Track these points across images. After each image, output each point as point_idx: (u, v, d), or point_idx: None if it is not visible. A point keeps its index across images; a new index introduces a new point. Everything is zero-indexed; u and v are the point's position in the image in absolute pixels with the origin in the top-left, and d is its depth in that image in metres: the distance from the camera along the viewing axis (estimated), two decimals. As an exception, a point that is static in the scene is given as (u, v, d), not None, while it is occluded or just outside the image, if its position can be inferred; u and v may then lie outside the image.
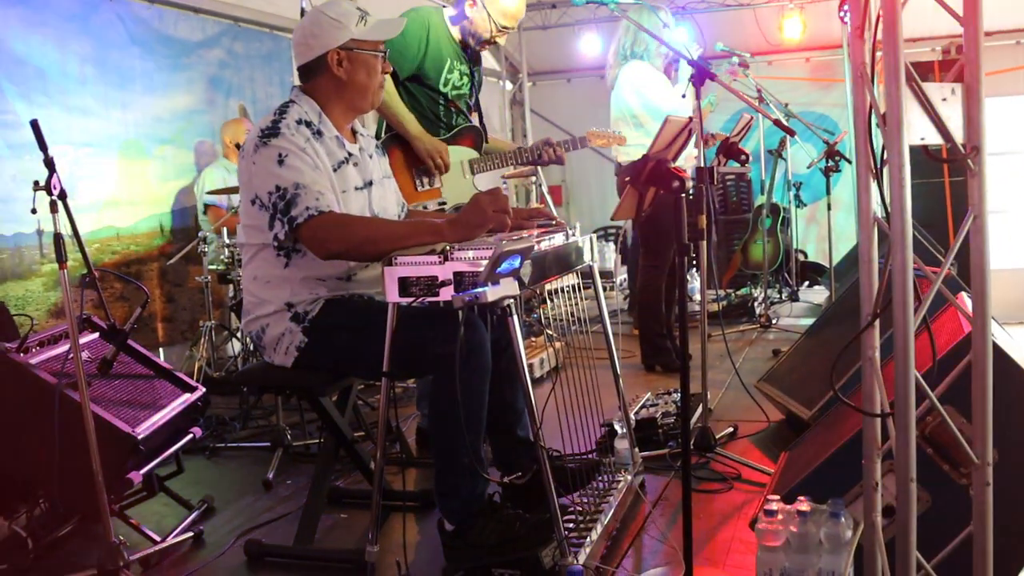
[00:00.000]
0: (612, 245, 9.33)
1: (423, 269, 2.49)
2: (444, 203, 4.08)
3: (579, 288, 3.30)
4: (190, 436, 3.58)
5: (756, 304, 7.37)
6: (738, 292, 8.03)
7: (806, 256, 9.34)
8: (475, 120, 4.30)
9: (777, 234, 8.33)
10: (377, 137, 4.06)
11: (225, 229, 5.32)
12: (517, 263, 2.40)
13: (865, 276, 2.18)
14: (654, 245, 5.46)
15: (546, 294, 3.18)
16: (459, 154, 4.15)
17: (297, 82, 3.08)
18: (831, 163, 6.49)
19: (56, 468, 2.99)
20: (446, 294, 2.45)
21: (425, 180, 4.08)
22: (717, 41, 6.27)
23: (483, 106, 4.43)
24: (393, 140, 4.04)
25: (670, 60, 5.49)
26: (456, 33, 4.17)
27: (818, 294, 8.41)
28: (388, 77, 3.82)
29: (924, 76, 5.57)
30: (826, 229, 7.17)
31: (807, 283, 8.93)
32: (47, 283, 5.10)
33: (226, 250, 5.25)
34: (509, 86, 10.75)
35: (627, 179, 5.30)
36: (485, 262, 2.38)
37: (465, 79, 4.19)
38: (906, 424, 2.01)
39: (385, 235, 2.73)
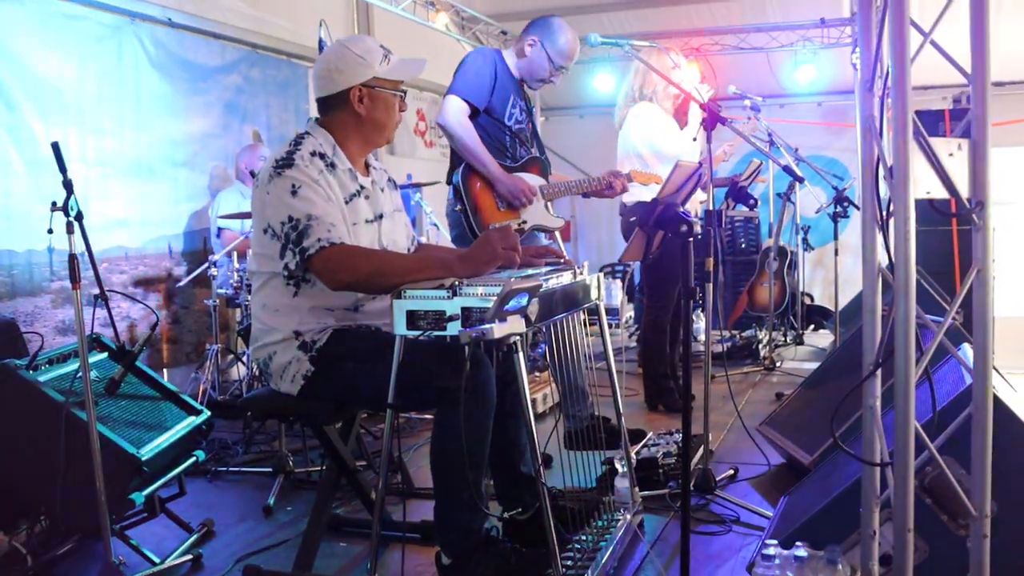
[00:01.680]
0: (619, 283, 9.35)
1: (431, 303, 2.52)
2: (524, 222, 4.34)
3: (585, 325, 3.32)
4: (193, 459, 3.59)
5: (761, 346, 7.36)
6: (743, 334, 8.03)
7: (812, 299, 9.35)
8: (535, 151, 4.54)
9: (784, 277, 8.35)
10: (455, 166, 4.30)
11: (235, 253, 5.36)
12: (524, 301, 2.43)
13: (868, 326, 2.21)
14: (658, 285, 5.46)
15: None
16: (531, 181, 4.38)
17: (313, 110, 3.14)
18: (839, 209, 6.54)
19: (59, 486, 3.01)
20: (453, 329, 2.48)
21: (505, 201, 4.32)
22: (730, 83, 6.33)
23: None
24: (473, 167, 4.28)
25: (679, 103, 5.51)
26: (516, 72, 4.45)
27: (823, 338, 8.41)
28: (465, 112, 4.15)
29: (934, 125, 5.61)
30: (833, 273, 7.20)
31: (812, 327, 8.93)
32: (56, 300, 5.13)
33: (235, 274, 5.28)
34: (522, 121, 10.83)
35: (632, 219, 5.36)
36: (493, 298, 2.41)
37: (524, 115, 4.46)
38: (905, 474, 2.02)
39: (395, 268, 2.76)
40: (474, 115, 4.25)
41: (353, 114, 3.00)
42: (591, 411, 3.93)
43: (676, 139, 5.28)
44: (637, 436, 4.02)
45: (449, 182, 4.34)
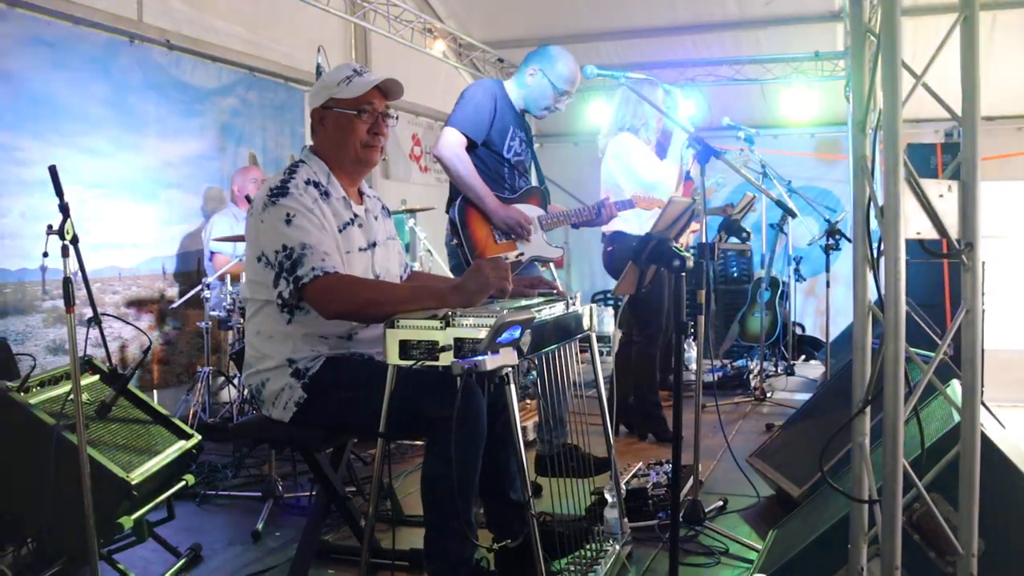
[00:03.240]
0: (610, 309, 9.35)
1: (424, 333, 2.53)
2: (522, 253, 4.35)
3: (576, 352, 3.32)
4: (182, 483, 3.58)
5: (751, 376, 7.36)
6: (734, 363, 8.04)
7: (803, 330, 9.36)
8: (534, 180, 4.57)
9: (775, 307, 8.36)
10: (453, 199, 4.33)
11: (228, 276, 5.36)
12: (517, 333, 2.44)
13: (858, 364, 2.22)
14: (646, 315, 5.46)
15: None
16: (529, 211, 4.41)
17: (307, 133, 3.18)
18: (831, 241, 6.56)
19: (48, 508, 3.00)
20: (446, 359, 2.49)
21: (502, 234, 4.35)
22: (724, 114, 6.37)
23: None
24: (470, 200, 4.29)
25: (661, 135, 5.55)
26: (518, 102, 4.48)
27: (814, 369, 8.41)
28: (463, 145, 4.16)
29: (926, 159, 5.61)
30: (824, 303, 7.21)
31: (803, 357, 8.95)
32: (47, 319, 5.13)
33: (228, 297, 5.28)
34: (516, 147, 10.89)
35: (609, 248, 5.38)
36: (486, 329, 2.42)
37: (524, 145, 4.49)
38: (893, 513, 2.03)
39: (389, 298, 2.77)
40: (472, 147, 4.27)
41: (318, 137, 3.09)
42: (564, 439, 3.94)
43: (654, 169, 5.32)
44: (603, 465, 4.00)
45: (448, 213, 4.35)
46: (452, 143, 4.21)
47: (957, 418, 2.46)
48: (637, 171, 5.32)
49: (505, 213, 4.27)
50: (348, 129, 3.03)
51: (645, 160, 5.36)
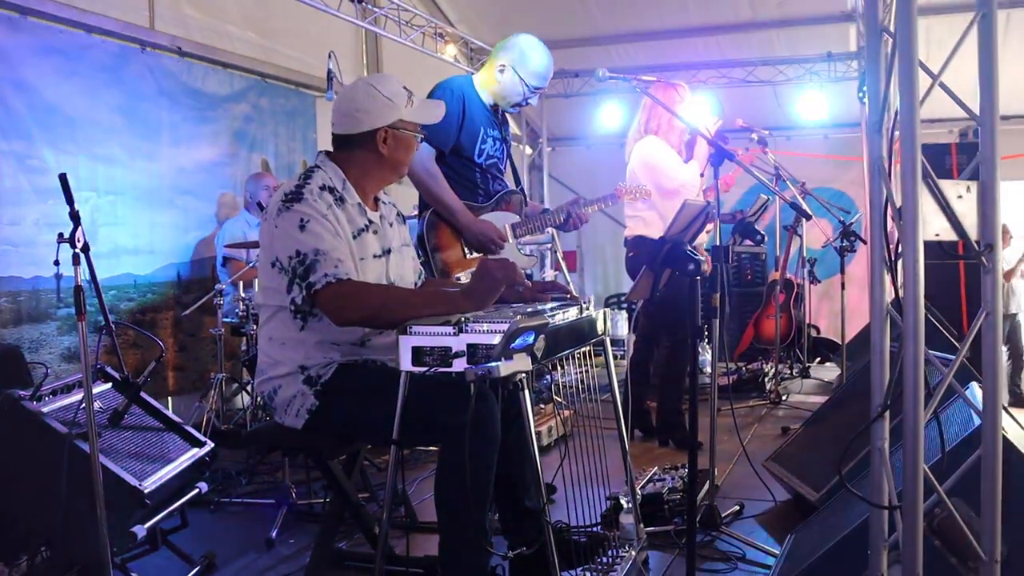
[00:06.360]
0: (625, 313, 9.32)
1: (437, 339, 2.51)
2: None
3: (591, 355, 3.30)
4: (196, 491, 3.57)
5: (767, 379, 7.30)
6: (749, 366, 7.99)
7: (818, 332, 9.32)
8: (510, 181, 4.38)
9: (790, 309, 8.32)
10: (421, 213, 4.17)
11: (241, 282, 5.36)
12: (531, 339, 2.42)
13: (876, 366, 2.19)
14: (676, 320, 5.31)
15: (557, 361, 3.18)
16: (503, 219, 4.24)
17: (321, 139, 3.15)
18: (846, 243, 6.53)
19: (61, 517, 3.00)
20: (459, 365, 2.46)
21: (473, 248, 4.18)
22: (737, 116, 6.34)
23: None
24: (440, 214, 4.13)
25: (688, 138, 5.48)
26: (488, 99, 4.28)
27: (829, 371, 8.36)
28: (432, 157, 3.99)
29: (940, 159, 5.57)
30: (839, 305, 7.17)
31: (819, 360, 8.90)
32: (62, 327, 5.13)
33: (241, 303, 5.27)
34: (529, 151, 10.89)
35: (631, 255, 5.32)
36: (499, 335, 2.40)
37: (498, 144, 4.29)
38: (914, 520, 2.00)
39: (401, 304, 2.76)
40: (441, 155, 4.10)
41: (374, 153, 3.02)
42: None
43: (679, 172, 5.27)
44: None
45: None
46: (421, 157, 3.95)
47: (977, 421, 2.42)
48: (661, 175, 5.27)
49: (478, 229, 4.10)
50: (410, 149, 3.10)
51: (669, 163, 5.31)
